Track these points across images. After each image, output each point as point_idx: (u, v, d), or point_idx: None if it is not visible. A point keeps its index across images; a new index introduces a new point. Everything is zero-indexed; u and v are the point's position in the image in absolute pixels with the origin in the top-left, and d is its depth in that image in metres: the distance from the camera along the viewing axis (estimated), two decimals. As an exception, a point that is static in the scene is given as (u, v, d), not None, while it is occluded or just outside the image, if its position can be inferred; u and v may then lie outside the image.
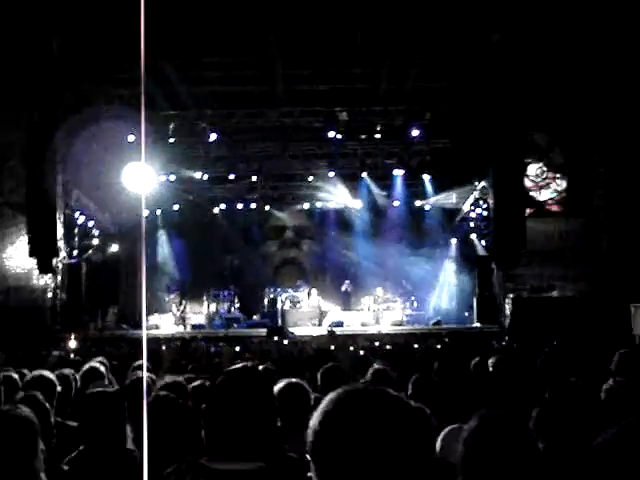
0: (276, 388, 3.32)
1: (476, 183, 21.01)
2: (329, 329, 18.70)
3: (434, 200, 23.82)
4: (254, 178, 23.37)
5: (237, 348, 10.91)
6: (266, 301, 23.21)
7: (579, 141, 18.52)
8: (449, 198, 23.11)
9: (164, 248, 25.17)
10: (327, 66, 17.28)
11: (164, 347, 12.03)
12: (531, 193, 19.01)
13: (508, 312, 18.35)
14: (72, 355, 10.49)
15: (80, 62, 16.88)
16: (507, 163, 18.47)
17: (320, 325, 21.43)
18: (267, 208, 25.60)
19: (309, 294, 23.17)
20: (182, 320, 22.22)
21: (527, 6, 15.43)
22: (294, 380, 3.72)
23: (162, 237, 25.18)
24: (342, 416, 1.59)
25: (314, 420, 1.62)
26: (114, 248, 23.00)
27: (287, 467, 2.34)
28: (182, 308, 22.78)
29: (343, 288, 23.66)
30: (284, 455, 2.59)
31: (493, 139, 18.77)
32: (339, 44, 16.41)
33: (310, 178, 23.37)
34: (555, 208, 18.95)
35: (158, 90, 18.45)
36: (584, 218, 18.67)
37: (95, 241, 22.04)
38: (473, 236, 22.77)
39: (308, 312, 22.57)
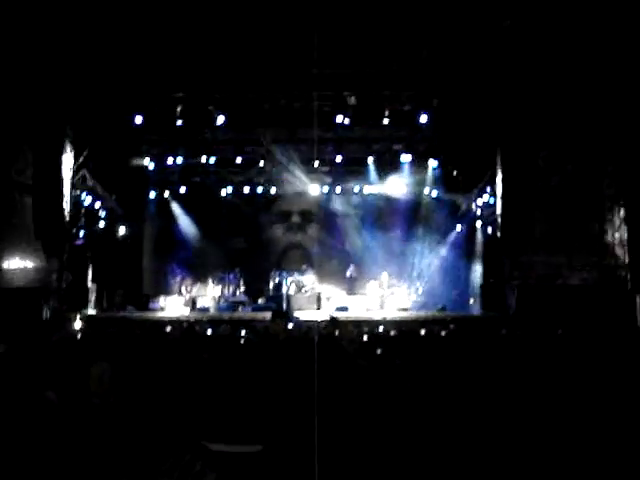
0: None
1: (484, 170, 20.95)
2: (331, 315, 18.70)
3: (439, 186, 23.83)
4: (261, 162, 23.34)
5: (243, 332, 10.90)
6: (271, 285, 23.23)
7: (589, 127, 18.37)
8: (456, 185, 23.06)
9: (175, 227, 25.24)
10: (336, 50, 17.17)
11: (169, 329, 12.01)
12: (540, 179, 18.90)
13: (514, 300, 18.32)
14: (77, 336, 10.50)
15: (90, 46, 16.82)
16: (516, 150, 18.39)
17: (319, 309, 21.48)
18: (274, 192, 25.57)
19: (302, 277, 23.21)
20: (192, 303, 22.26)
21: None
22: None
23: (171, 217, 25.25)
24: None
25: None
26: (120, 229, 23.03)
27: (285, 450, 2.34)
28: (191, 290, 22.84)
29: (348, 273, 23.67)
30: (282, 438, 2.59)
31: (502, 126, 18.68)
32: (349, 28, 16.31)
33: (316, 163, 23.31)
34: (563, 195, 18.85)
35: (166, 72, 18.42)
36: (591, 206, 18.58)
37: (101, 222, 22.09)
38: (479, 223, 22.74)
39: (312, 296, 22.62)
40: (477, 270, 22.05)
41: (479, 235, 22.90)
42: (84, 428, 2.90)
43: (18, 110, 17.68)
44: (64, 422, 2.93)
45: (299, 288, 22.96)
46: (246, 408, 2.21)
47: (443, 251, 24.17)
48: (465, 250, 23.58)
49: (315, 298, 22.54)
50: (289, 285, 22.85)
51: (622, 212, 18.22)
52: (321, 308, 21.81)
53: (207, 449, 2.15)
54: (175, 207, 25.35)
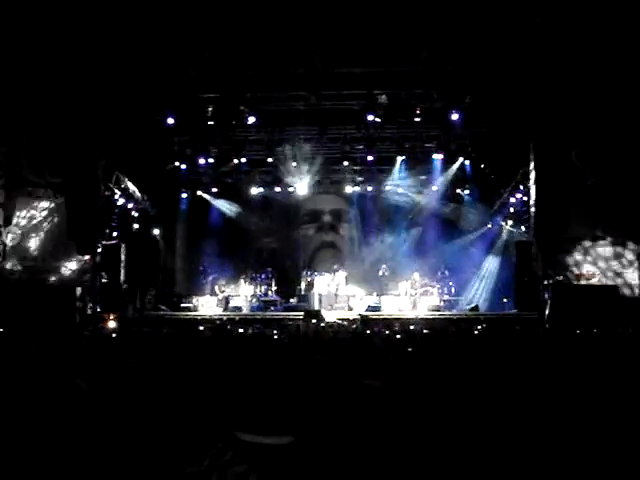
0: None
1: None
2: (361, 314, 18.69)
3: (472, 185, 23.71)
4: (293, 163, 23.37)
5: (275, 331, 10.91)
6: (303, 284, 23.25)
7: (624, 124, 18.09)
8: (489, 183, 22.89)
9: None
10: (367, 48, 17.13)
11: (202, 328, 12.07)
12: (574, 177, 18.66)
13: (548, 299, 18.11)
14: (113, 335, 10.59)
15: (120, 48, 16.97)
16: (549, 147, 18.20)
17: (350, 309, 21.46)
18: (305, 191, 25.58)
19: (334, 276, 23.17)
20: (225, 302, 22.35)
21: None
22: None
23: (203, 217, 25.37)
24: None
25: None
26: (153, 230, 23.23)
27: (315, 442, 2.33)
28: (224, 290, 22.95)
29: (380, 272, 23.59)
30: (312, 431, 2.58)
31: (535, 124, 18.49)
32: (378, 27, 16.26)
33: (345, 163, 23.30)
34: (598, 193, 18.58)
35: (197, 73, 18.53)
36: (628, 204, 18.29)
37: (134, 223, 22.29)
38: (512, 222, 22.55)
39: (343, 296, 22.61)
40: (511, 269, 21.85)
41: (513, 233, 22.70)
42: (116, 418, 2.93)
43: (53, 111, 17.93)
44: (94, 411, 2.96)
45: (334, 288, 22.94)
46: (277, 402, 2.21)
47: (476, 249, 24.00)
48: (498, 248, 23.39)
49: (347, 298, 22.53)
50: (321, 285, 22.84)
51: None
52: (353, 308, 21.78)
53: (238, 439, 2.15)
54: (207, 207, 25.46)
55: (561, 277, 18.23)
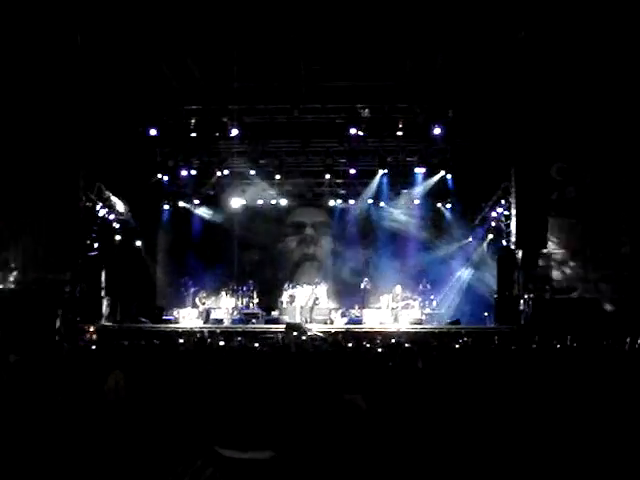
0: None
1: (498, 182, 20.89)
2: (344, 327, 18.71)
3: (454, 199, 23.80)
4: (277, 175, 23.36)
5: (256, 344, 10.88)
6: (285, 297, 23.18)
7: (604, 139, 18.27)
8: (470, 197, 22.98)
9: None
10: (350, 62, 17.21)
11: (181, 341, 12.02)
12: (554, 191, 18.80)
13: (529, 313, 18.19)
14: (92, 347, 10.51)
15: (103, 59, 16.93)
16: (530, 163, 18.34)
17: (332, 322, 21.47)
18: (287, 204, 25.56)
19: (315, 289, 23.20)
20: (206, 314, 22.24)
21: (554, 4, 15.28)
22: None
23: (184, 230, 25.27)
24: None
25: None
26: (134, 241, 23.10)
27: (298, 456, 2.32)
28: (205, 303, 22.83)
29: (362, 285, 23.58)
30: (294, 444, 2.57)
31: (516, 138, 18.63)
32: (362, 41, 16.35)
33: (328, 176, 23.32)
34: (578, 207, 18.73)
35: (180, 85, 18.53)
36: (607, 218, 18.45)
37: (115, 234, 22.16)
38: (493, 236, 22.64)
39: (325, 309, 22.63)
40: (491, 283, 21.92)
41: (494, 247, 22.78)
42: (97, 433, 2.89)
43: (33, 123, 17.83)
44: (75, 427, 2.92)
45: (312, 301, 22.92)
46: (258, 415, 2.20)
47: (457, 263, 24.06)
48: (479, 262, 23.46)
49: (328, 311, 22.53)
50: (302, 298, 22.81)
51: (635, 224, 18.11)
52: (334, 321, 21.76)
53: (219, 454, 2.13)
54: (189, 219, 25.35)
55: (542, 291, 18.32)
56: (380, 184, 23.85)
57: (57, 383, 3.96)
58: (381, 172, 23.07)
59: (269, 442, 2.18)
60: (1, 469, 2.59)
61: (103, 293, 20.85)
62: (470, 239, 23.99)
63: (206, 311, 22.46)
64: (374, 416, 3.38)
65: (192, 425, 2.73)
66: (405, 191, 24.30)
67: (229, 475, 2.09)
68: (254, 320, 21.94)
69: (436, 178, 23.11)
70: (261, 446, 2.16)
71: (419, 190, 23.87)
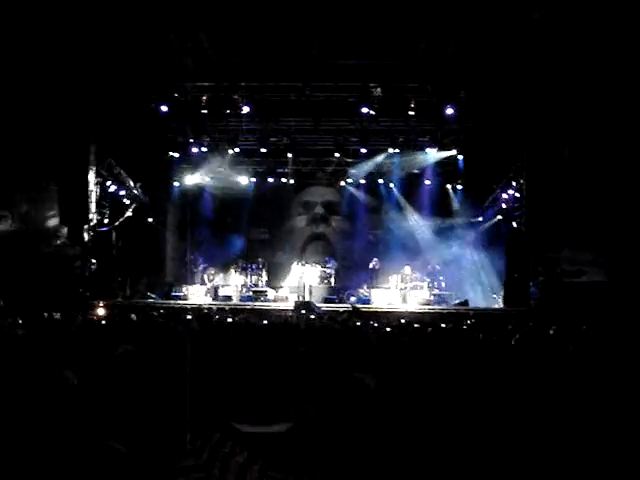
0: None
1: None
2: (352, 305, 18.75)
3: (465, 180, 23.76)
4: (288, 154, 23.36)
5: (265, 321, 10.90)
6: (294, 275, 23.25)
7: (616, 122, 18.14)
8: (481, 178, 22.92)
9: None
10: (363, 41, 17.10)
11: (190, 317, 12.05)
12: (566, 174, 18.72)
13: (537, 295, 18.18)
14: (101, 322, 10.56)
15: (115, 34, 16.88)
16: (542, 145, 18.25)
17: (340, 301, 21.53)
18: (298, 183, 25.57)
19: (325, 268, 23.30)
20: (214, 292, 22.33)
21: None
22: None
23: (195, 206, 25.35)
24: None
25: None
26: (145, 217, 23.18)
27: (315, 429, 2.33)
28: (213, 279, 22.92)
29: (371, 265, 23.63)
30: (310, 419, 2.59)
31: (529, 120, 18.53)
32: (375, 20, 16.23)
33: (338, 154, 23.27)
34: (589, 190, 18.64)
35: (192, 61, 18.47)
36: (618, 201, 18.36)
37: (126, 210, 22.23)
38: (503, 218, 22.59)
39: (334, 288, 22.70)
40: (501, 265, 21.91)
41: (503, 229, 22.75)
42: (107, 409, 2.91)
43: (45, 98, 17.82)
44: (83, 402, 2.94)
45: (322, 279, 22.99)
46: (271, 392, 2.21)
47: (467, 245, 24.04)
48: (489, 244, 23.44)
49: (337, 290, 22.59)
50: (312, 276, 22.88)
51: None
52: (343, 300, 21.82)
53: (236, 430, 2.14)
54: (199, 196, 25.41)
55: (551, 274, 18.29)
56: (392, 164, 23.83)
57: (67, 357, 3.98)
58: (392, 150, 22.91)
59: (284, 416, 2.20)
60: (10, 445, 2.61)
61: (113, 269, 20.94)
62: (480, 220, 23.97)
63: (214, 288, 22.56)
64: (383, 395, 3.39)
65: (207, 401, 2.74)
66: (416, 172, 24.30)
67: (248, 448, 2.11)
68: (262, 298, 22.03)
69: (445, 154, 22.98)
70: (276, 420, 2.18)
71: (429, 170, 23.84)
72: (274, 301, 21.41)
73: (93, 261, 19.59)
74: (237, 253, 24.69)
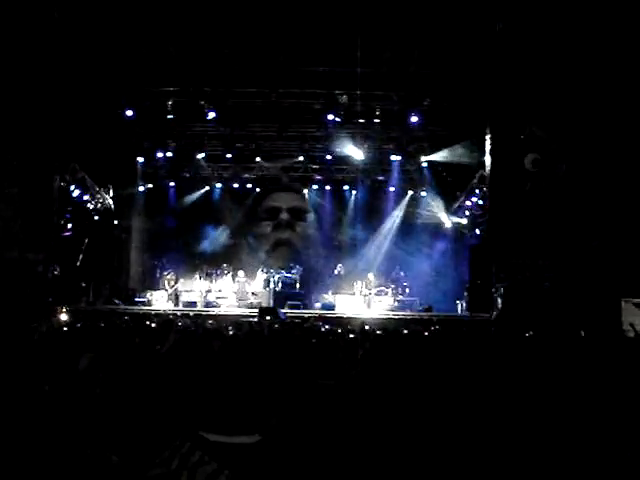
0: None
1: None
2: (317, 312, 18.81)
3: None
4: (257, 158, 23.38)
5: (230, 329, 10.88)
6: (259, 281, 23.22)
7: (577, 134, 18.45)
8: (445, 185, 23.16)
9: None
10: (329, 48, 17.19)
11: (152, 324, 11.97)
12: (528, 182, 18.95)
13: (500, 302, 18.38)
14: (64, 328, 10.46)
15: (80, 37, 16.75)
16: (504, 153, 18.47)
17: (305, 307, 21.56)
18: (263, 189, 25.61)
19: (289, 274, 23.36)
20: (175, 297, 22.22)
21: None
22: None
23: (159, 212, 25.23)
24: None
25: None
26: (109, 223, 22.98)
27: (284, 440, 2.37)
28: (175, 285, 22.78)
29: (336, 271, 23.72)
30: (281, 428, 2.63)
31: (491, 128, 18.76)
32: (342, 27, 16.33)
33: (303, 159, 23.37)
34: (550, 199, 18.91)
35: (158, 66, 18.40)
36: (578, 210, 18.66)
37: (90, 215, 22.03)
38: (467, 224, 22.82)
39: (298, 294, 22.74)
40: (464, 271, 22.12)
41: (467, 236, 22.98)
42: (77, 419, 2.93)
43: (8, 101, 17.59)
44: (58, 414, 2.94)
45: (286, 285, 23.00)
46: (241, 400, 2.24)
47: (431, 251, 24.24)
48: (453, 251, 23.66)
49: (302, 296, 22.62)
50: (276, 282, 22.89)
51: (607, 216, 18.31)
52: (307, 306, 21.84)
53: (205, 439, 2.17)
54: (164, 201, 25.30)
55: (513, 281, 18.49)
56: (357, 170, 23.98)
57: (33, 366, 3.98)
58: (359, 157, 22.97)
59: (254, 427, 2.23)
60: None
61: (76, 274, 20.73)
62: (445, 227, 24.18)
63: (175, 294, 22.44)
64: (347, 402, 3.44)
65: (175, 410, 2.77)
66: (381, 178, 24.49)
67: (216, 458, 2.13)
68: (227, 304, 21.96)
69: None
70: (247, 431, 2.21)
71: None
72: (239, 307, 21.36)
73: (56, 266, 19.36)
74: (202, 259, 24.61)
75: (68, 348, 5.65)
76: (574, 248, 18.56)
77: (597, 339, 10.43)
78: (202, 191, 25.51)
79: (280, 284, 22.94)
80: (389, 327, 12.85)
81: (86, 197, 21.51)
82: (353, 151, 22.41)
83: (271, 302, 21.64)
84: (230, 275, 23.44)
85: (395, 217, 24.96)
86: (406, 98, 19.81)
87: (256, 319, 16.18)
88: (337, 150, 22.73)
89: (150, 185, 24.72)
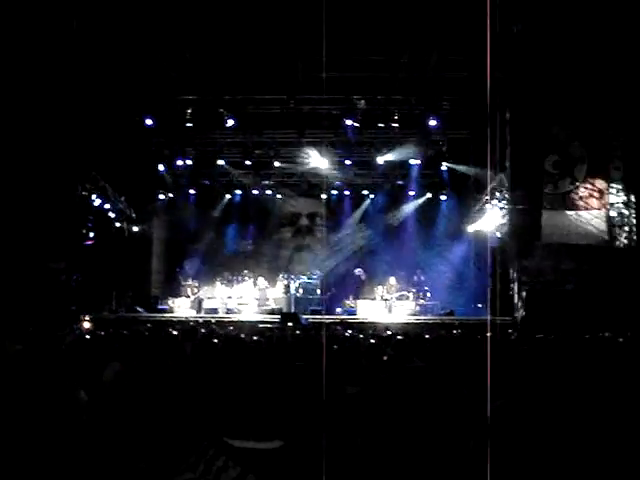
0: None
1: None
2: (339, 317, 18.80)
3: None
4: (276, 163, 23.44)
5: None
6: (280, 287, 23.26)
7: (598, 134, 18.34)
8: (466, 189, 23.09)
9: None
10: (347, 53, 17.22)
11: (175, 332, 12.02)
12: (548, 185, 18.87)
13: (521, 305, 18.28)
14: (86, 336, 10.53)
15: (99, 47, 16.89)
16: (525, 155, 18.40)
17: (327, 312, 21.54)
18: (282, 195, 25.67)
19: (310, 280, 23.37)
20: (198, 304, 22.30)
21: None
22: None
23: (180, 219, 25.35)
24: None
25: None
26: (130, 230, 23.13)
27: (305, 445, 2.38)
28: (197, 293, 22.87)
29: (357, 276, 23.68)
30: (302, 433, 2.63)
31: (511, 131, 18.69)
32: (359, 31, 16.35)
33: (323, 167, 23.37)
34: (572, 201, 18.80)
35: (177, 74, 18.52)
36: (601, 212, 18.54)
37: (111, 223, 22.18)
38: (488, 227, 22.70)
39: (320, 299, 22.74)
40: (486, 275, 21.99)
41: (487, 239, 22.85)
42: (105, 427, 2.95)
43: (28, 112, 17.75)
44: (93, 421, 2.97)
45: (307, 291, 23.01)
46: (264, 406, 2.26)
47: (452, 255, 24.15)
48: (474, 254, 23.53)
49: (323, 301, 22.61)
50: (297, 288, 22.90)
51: (633, 219, 18.21)
52: (328, 311, 21.82)
53: (229, 445, 2.19)
54: (185, 209, 25.41)
55: (535, 284, 18.40)
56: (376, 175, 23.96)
57: (66, 375, 4.01)
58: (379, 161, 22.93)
59: (276, 432, 2.25)
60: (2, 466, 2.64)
61: (98, 282, 20.87)
62: (465, 230, 24.08)
63: (198, 301, 22.52)
64: (371, 407, 3.44)
65: (199, 416, 2.79)
66: (400, 183, 24.48)
67: (240, 464, 2.15)
68: (248, 310, 22.00)
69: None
70: (269, 436, 2.23)
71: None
72: (260, 313, 21.40)
73: (78, 275, 19.51)
74: (222, 265, 24.68)
75: (94, 356, 5.69)
76: (596, 250, 18.44)
77: (621, 342, 10.34)
78: (225, 201, 25.63)
79: (301, 290, 22.96)
80: (411, 332, 12.81)
81: (107, 206, 21.66)
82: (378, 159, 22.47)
83: (292, 308, 21.67)
84: (251, 281, 23.47)
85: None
86: (425, 102, 19.80)
87: (278, 325, 16.22)
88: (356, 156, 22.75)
89: (170, 194, 24.84)
